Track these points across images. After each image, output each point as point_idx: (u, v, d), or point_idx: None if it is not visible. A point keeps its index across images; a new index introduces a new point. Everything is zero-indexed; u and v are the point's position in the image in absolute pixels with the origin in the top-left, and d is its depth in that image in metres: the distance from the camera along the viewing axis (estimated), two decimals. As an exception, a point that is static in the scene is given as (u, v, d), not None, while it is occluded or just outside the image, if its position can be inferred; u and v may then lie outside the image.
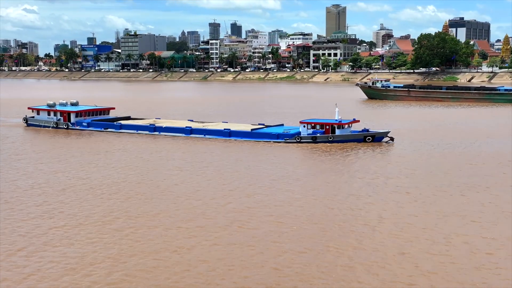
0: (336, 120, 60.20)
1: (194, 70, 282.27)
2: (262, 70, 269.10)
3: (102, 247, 26.06)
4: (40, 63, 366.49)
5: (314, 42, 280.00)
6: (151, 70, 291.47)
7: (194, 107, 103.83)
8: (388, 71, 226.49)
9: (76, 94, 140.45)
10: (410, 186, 38.40)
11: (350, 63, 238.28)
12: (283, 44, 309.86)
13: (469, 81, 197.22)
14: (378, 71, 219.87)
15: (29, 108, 74.63)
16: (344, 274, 22.86)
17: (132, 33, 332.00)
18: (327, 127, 59.32)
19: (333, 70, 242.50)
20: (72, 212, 31.75)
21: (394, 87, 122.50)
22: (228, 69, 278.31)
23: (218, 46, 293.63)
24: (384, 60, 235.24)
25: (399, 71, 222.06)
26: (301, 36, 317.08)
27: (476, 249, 25.81)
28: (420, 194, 35.57)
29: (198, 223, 29.78)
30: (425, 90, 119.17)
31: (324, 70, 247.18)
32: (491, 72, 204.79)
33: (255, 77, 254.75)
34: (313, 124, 60.20)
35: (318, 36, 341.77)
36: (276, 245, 26.18)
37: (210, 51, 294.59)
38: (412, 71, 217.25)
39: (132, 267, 23.60)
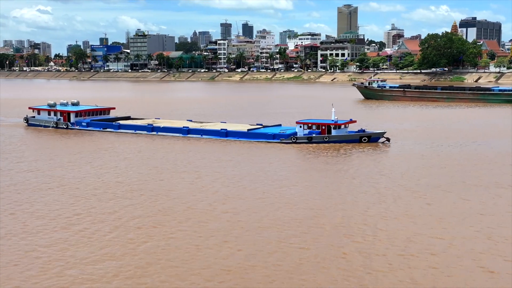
0: (332, 120, 60.18)
1: (202, 70, 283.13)
2: (269, 71, 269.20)
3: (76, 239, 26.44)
4: (51, 63, 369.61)
5: (321, 43, 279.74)
6: (159, 71, 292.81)
7: (198, 107, 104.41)
8: (395, 71, 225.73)
9: (83, 94, 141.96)
10: (404, 187, 38.36)
11: (357, 63, 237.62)
12: (291, 45, 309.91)
13: (476, 81, 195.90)
14: (385, 71, 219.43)
15: (29, 108, 75.45)
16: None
17: (141, 34, 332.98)
18: (323, 127, 59.33)
19: (340, 71, 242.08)
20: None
21: (390, 87, 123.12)
22: (236, 69, 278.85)
23: (226, 47, 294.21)
24: (391, 61, 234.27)
25: (406, 71, 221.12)
26: (309, 37, 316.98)
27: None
28: (421, 197, 35.31)
29: (162, 224, 29.95)
30: (420, 90, 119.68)
31: (331, 71, 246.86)
32: (499, 72, 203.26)
33: (262, 77, 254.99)
34: (309, 125, 60.28)
35: (327, 36, 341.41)
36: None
37: (218, 51, 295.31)
38: (419, 71, 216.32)
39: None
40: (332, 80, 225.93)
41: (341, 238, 27.38)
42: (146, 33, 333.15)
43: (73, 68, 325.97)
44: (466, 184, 38.79)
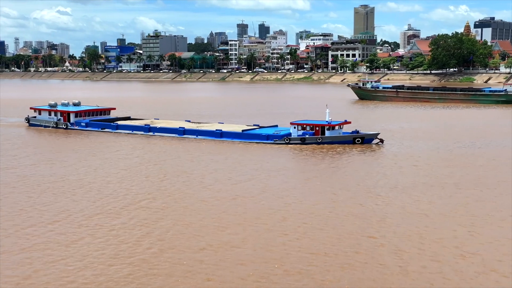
0: (326, 121, 60.22)
1: (212, 71, 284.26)
2: (279, 71, 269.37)
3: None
4: (67, 63, 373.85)
5: (332, 43, 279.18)
6: (170, 71, 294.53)
7: (203, 107, 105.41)
8: (404, 72, 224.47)
9: (92, 95, 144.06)
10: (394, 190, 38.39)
11: (367, 64, 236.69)
12: (303, 45, 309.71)
13: (486, 82, 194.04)
14: (394, 72, 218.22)
15: (31, 108, 76.59)
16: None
17: (154, 35, 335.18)
18: (317, 128, 59.41)
19: (350, 71, 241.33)
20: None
21: (383, 88, 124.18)
22: (247, 70, 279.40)
23: (237, 47, 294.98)
24: (401, 61, 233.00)
25: (416, 72, 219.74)
26: (321, 37, 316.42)
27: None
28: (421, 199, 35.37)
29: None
30: (412, 91, 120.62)
31: (341, 71, 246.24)
32: (509, 73, 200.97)
33: (272, 78, 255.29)
34: (303, 125, 60.39)
35: (339, 37, 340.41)
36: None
37: (230, 52, 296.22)
38: (429, 72, 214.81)
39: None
40: (342, 80, 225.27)
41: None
42: (156, 34, 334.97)
43: (87, 69, 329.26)
44: (458, 185, 38.83)
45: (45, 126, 72.09)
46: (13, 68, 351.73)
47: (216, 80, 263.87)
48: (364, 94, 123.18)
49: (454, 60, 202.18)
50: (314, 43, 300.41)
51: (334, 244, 26.55)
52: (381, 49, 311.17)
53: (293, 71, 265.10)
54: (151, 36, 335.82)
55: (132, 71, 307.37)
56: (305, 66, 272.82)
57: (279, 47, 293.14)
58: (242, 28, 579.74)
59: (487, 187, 38.25)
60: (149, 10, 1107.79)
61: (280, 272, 23.23)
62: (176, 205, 33.57)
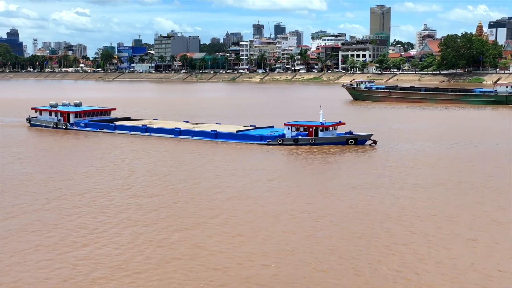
0: (320, 122, 60.31)
1: (223, 71, 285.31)
2: (289, 72, 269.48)
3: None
4: (82, 64, 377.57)
5: (343, 44, 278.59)
6: (182, 72, 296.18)
7: (206, 108, 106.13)
8: (414, 72, 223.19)
9: (100, 95, 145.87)
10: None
11: (376, 65, 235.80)
12: (314, 46, 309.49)
13: (495, 82, 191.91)
14: (404, 72, 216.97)
15: (32, 108, 77.74)
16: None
17: (166, 35, 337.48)
18: (311, 129, 59.54)
19: (359, 72, 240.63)
20: None
21: (376, 88, 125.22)
22: (257, 70, 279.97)
23: (248, 48, 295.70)
24: (410, 61, 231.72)
25: (425, 72, 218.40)
26: (333, 37, 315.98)
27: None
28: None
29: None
30: (405, 91, 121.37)
31: (351, 72, 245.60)
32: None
33: (282, 78, 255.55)
34: (297, 126, 60.53)
35: (351, 37, 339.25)
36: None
37: (240, 53, 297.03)
38: (438, 72, 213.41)
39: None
40: (351, 81, 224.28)
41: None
42: (168, 35, 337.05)
43: (100, 69, 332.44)
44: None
45: (45, 127, 73.21)
46: (29, 69, 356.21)
47: (226, 80, 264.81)
48: (358, 94, 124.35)
49: (463, 60, 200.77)
50: (325, 43, 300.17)
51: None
52: (393, 50, 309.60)
53: (303, 72, 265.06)
54: (163, 37, 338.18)
55: (144, 72, 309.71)
56: (315, 66, 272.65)
57: (289, 48, 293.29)
58: (258, 29, 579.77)
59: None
60: (166, 11, 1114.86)
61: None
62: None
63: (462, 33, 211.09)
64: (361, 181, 40.48)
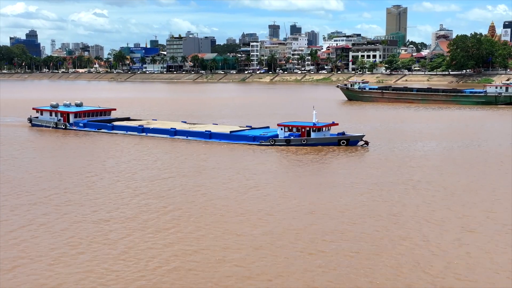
0: (313, 123, 60.59)
1: (233, 72, 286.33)
2: (299, 72, 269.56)
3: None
4: (96, 65, 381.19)
5: (353, 44, 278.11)
6: (192, 72, 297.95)
7: (210, 108, 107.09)
8: (423, 73, 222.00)
9: (108, 95, 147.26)
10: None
11: (386, 65, 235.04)
12: (326, 46, 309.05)
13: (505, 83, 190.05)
14: (413, 73, 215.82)
15: (33, 108, 79.08)
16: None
17: (177, 36, 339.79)
18: (303, 130, 59.85)
19: (369, 72, 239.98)
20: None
21: (370, 88, 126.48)
22: (268, 71, 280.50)
23: (258, 48, 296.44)
24: (420, 62, 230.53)
25: (435, 73, 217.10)
26: (344, 38, 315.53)
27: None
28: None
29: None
30: (397, 92, 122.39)
31: (360, 72, 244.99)
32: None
33: (291, 79, 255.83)
34: (289, 127, 60.88)
35: (363, 38, 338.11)
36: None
37: (251, 53, 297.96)
38: (447, 73, 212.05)
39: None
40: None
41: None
42: (179, 36, 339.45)
43: (113, 70, 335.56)
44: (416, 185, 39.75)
45: (45, 126, 74.46)
46: (44, 70, 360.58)
47: (236, 81, 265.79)
48: (352, 95, 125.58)
49: (472, 61, 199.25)
50: (337, 44, 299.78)
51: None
52: (406, 50, 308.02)
53: (313, 72, 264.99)
54: (175, 38, 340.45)
55: (155, 72, 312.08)
56: (325, 67, 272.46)
57: (300, 48, 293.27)
58: (274, 29, 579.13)
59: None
60: (183, 12, 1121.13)
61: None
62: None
63: (471, 33, 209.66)
64: (344, 180, 40.96)
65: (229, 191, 37.81)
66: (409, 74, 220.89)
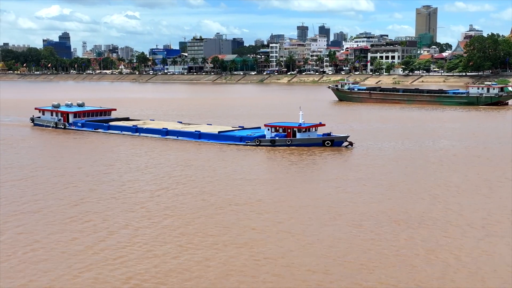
0: (299, 123, 61.24)
1: (252, 73, 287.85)
2: (317, 74, 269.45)
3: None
4: (121, 66, 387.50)
5: (372, 45, 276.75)
6: (212, 73, 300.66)
7: (216, 109, 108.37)
8: (440, 74, 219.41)
9: (124, 95, 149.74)
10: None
11: (403, 66, 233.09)
12: (346, 47, 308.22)
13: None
14: (430, 74, 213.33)
15: (35, 108, 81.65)
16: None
17: (198, 37, 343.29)
18: (289, 130, 60.59)
19: (386, 73, 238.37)
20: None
21: (358, 89, 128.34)
22: (286, 72, 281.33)
23: (277, 50, 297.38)
24: (437, 63, 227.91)
25: (452, 74, 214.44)
26: (365, 39, 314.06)
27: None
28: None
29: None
30: (383, 92, 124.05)
31: (378, 73, 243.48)
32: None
33: (309, 80, 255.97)
34: (276, 127, 61.69)
35: (384, 38, 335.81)
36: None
37: (270, 54, 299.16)
38: (464, 74, 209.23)
39: None
40: (376, 82, 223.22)
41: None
42: (200, 37, 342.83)
43: (135, 71, 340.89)
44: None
45: (46, 126, 76.88)
46: (72, 71, 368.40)
47: (255, 82, 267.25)
48: (341, 95, 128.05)
49: (489, 62, 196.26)
50: (357, 45, 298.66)
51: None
52: (428, 51, 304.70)
53: (331, 73, 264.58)
54: (196, 39, 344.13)
55: (176, 73, 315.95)
56: (344, 68, 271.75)
57: (319, 49, 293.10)
58: (302, 31, 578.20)
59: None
60: (213, 14, 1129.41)
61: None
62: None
63: (488, 34, 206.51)
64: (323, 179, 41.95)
65: (186, 191, 39.37)
66: (426, 75, 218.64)
